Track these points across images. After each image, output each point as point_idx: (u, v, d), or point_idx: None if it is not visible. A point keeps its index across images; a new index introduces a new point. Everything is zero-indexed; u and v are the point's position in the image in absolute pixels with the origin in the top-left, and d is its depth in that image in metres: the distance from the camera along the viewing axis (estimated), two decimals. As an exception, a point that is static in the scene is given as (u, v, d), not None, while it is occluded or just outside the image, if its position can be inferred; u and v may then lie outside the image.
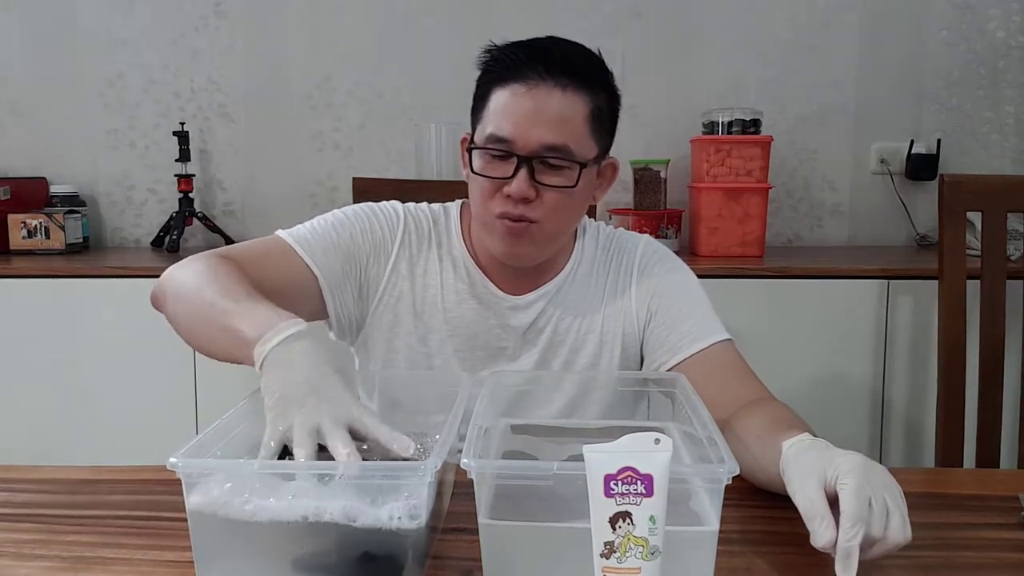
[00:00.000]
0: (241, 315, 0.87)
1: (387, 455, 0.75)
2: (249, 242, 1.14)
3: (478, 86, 1.10)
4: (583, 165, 1.05)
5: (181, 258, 1.03)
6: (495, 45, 1.08)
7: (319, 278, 1.12)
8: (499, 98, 1.05)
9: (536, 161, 1.04)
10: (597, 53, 1.10)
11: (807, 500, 0.74)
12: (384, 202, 1.21)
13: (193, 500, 0.70)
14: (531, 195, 1.05)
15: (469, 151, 1.09)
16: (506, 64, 1.05)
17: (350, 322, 1.18)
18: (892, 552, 0.72)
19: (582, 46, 1.09)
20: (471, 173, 1.10)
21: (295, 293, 1.11)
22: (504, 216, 1.07)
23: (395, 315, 1.17)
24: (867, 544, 0.71)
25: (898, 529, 0.72)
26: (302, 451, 0.73)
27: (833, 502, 0.73)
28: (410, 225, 1.19)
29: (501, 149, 1.05)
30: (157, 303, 1.04)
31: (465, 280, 1.17)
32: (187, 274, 0.99)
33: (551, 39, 1.09)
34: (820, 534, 0.72)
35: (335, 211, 1.19)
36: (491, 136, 1.05)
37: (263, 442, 0.76)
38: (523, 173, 1.04)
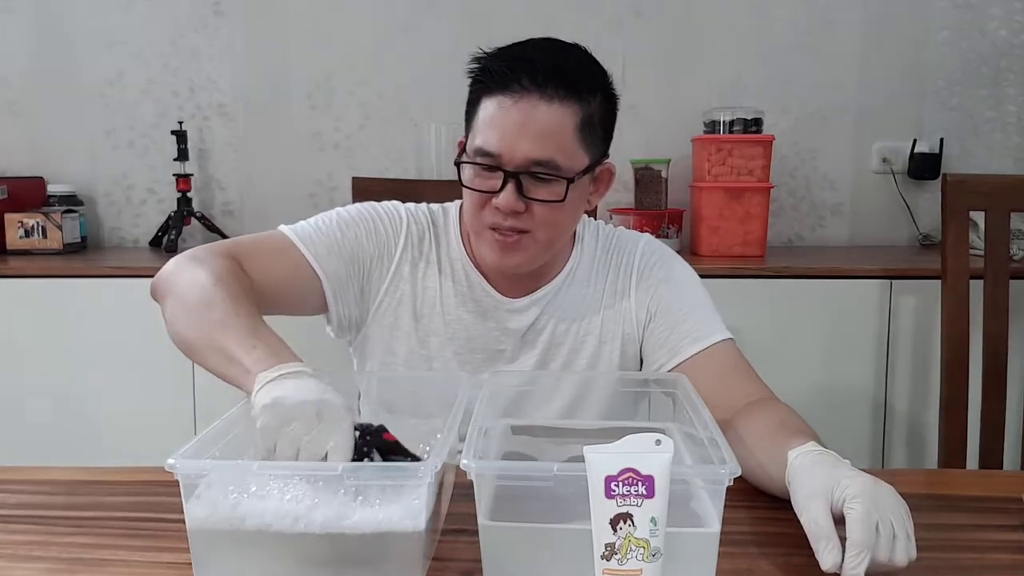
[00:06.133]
0: (248, 348, 0.85)
1: None
2: (252, 237, 1.12)
3: (469, 93, 1.08)
4: (570, 180, 1.03)
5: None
6: (484, 53, 1.06)
7: (322, 279, 1.11)
8: (487, 109, 1.03)
9: (524, 175, 1.02)
10: (591, 55, 1.07)
11: (812, 521, 0.75)
12: (385, 202, 1.20)
13: (190, 511, 0.69)
14: (520, 208, 1.03)
15: (458, 164, 1.08)
16: (492, 74, 1.03)
17: (350, 321, 1.17)
18: (896, 571, 0.73)
19: (577, 50, 1.07)
20: (461, 184, 1.08)
21: (297, 291, 1.10)
22: (495, 228, 1.06)
23: (395, 317, 1.16)
24: (873, 567, 0.71)
25: (902, 552, 0.72)
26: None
27: (839, 522, 0.74)
28: (412, 227, 1.18)
29: (488, 163, 1.03)
30: (155, 295, 1.03)
31: (463, 283, 1.16)
32: (192, 281, 0.96)
33: (544, 43, 1.06)
34: (825, 557, 0.72)
35: (338, 209, 1.17)
36: (479, 149, 1.04)
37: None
38: (510, 187, 1.02)
